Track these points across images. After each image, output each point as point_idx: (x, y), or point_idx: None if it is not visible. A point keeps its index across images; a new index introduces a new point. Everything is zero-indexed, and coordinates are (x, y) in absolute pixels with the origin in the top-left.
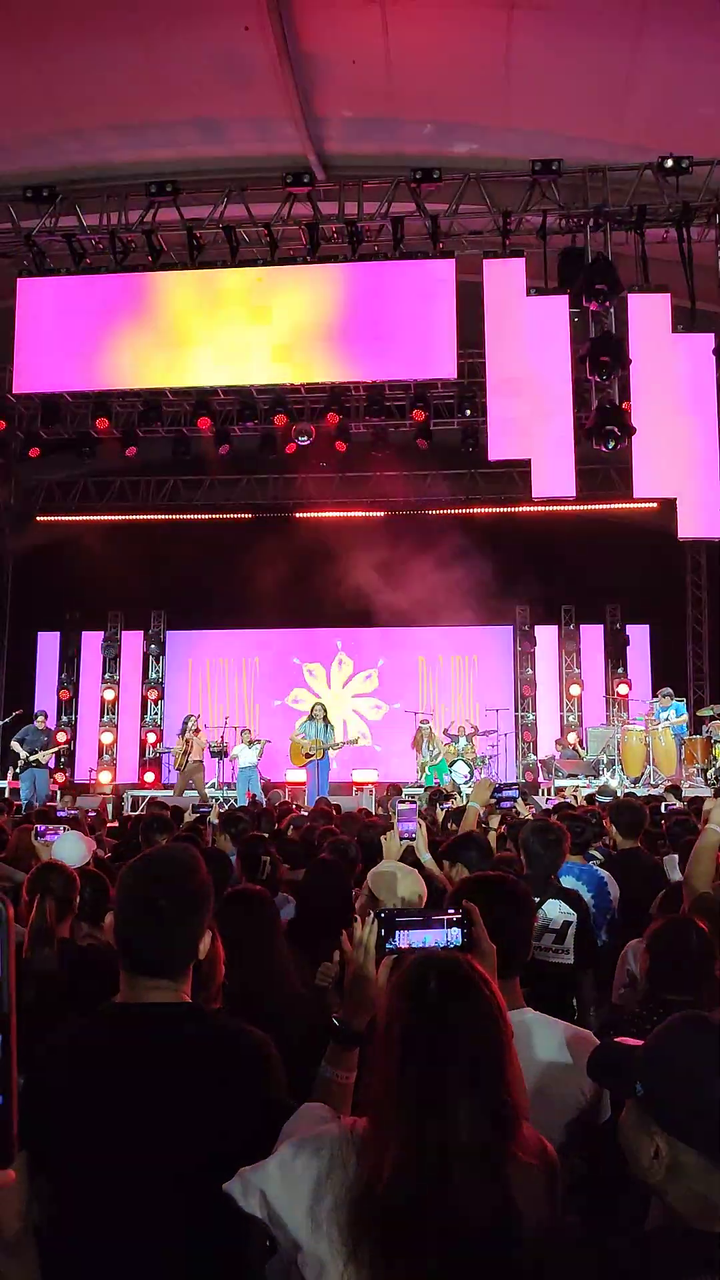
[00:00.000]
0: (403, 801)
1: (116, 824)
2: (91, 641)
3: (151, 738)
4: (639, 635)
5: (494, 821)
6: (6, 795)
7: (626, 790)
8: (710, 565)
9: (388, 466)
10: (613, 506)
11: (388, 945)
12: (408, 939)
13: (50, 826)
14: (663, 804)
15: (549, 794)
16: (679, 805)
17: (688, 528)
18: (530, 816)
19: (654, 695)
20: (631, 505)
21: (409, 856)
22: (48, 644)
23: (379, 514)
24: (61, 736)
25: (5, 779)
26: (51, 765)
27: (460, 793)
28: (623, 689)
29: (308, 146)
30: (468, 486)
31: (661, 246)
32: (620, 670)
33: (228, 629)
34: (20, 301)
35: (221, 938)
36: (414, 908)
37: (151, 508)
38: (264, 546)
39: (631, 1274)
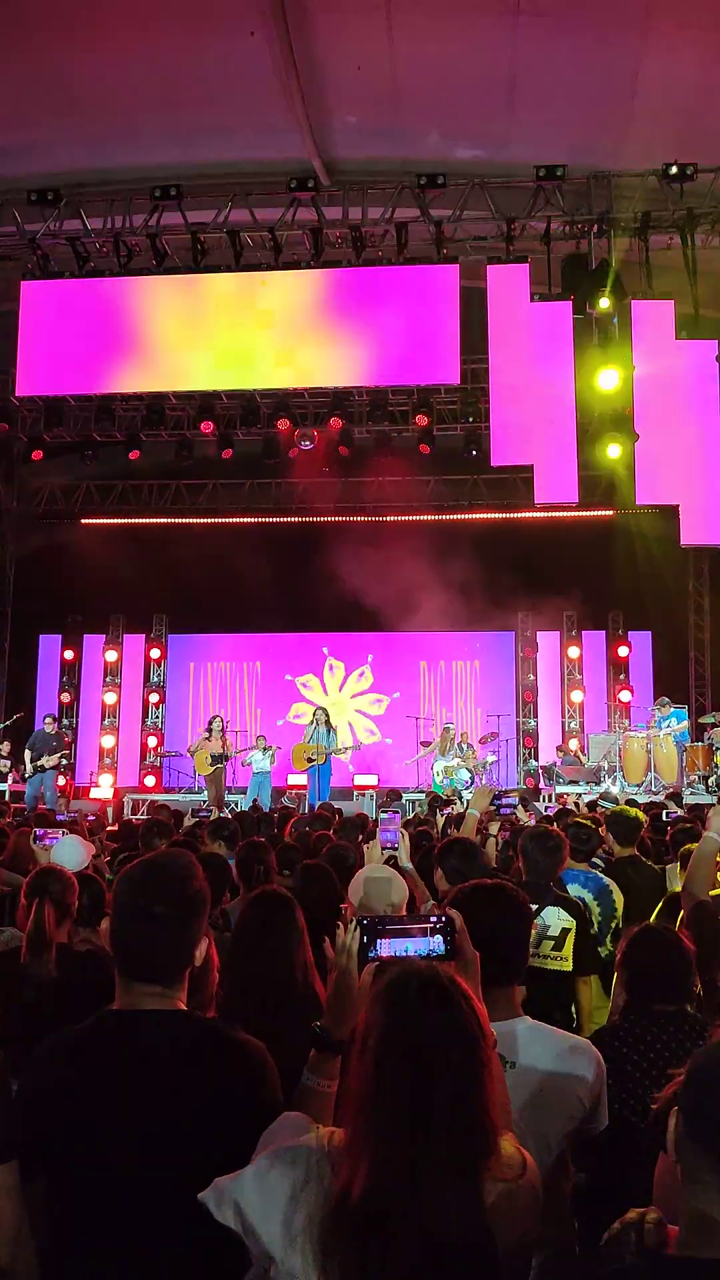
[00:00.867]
0: (385, 810)
1: (116, 828)
2: (93, 645)
3: (153, 741)
4: (641, 642)
5: (494, 828)
6: (6, 798)
7: (628, 797)
8: (712, 572)
9: (390, 472)
10: (616, 513)
11: (370, 953)
12: (390, 947)
13: (49, 830)
14: (663, 811)
15: (550, 800)
16: (680, 812)
17: (690, 534)
18: (530, 823)
19: (653, 703)
20: (634, 512)
21: (391, 865)
22: (49, 647)
23: (381, 519)
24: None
25: (6, 781)
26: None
27: (461, 799)
28: (624, 695)
29: (312, 151)
30: (470, 492)
31: (665, 253)
32: (622, 677)
33: (230, 633)
34: (24, 304)
35: (243, 939)
36: (397, 915)
37: (154, 511)
38: (266, 551)
39: None
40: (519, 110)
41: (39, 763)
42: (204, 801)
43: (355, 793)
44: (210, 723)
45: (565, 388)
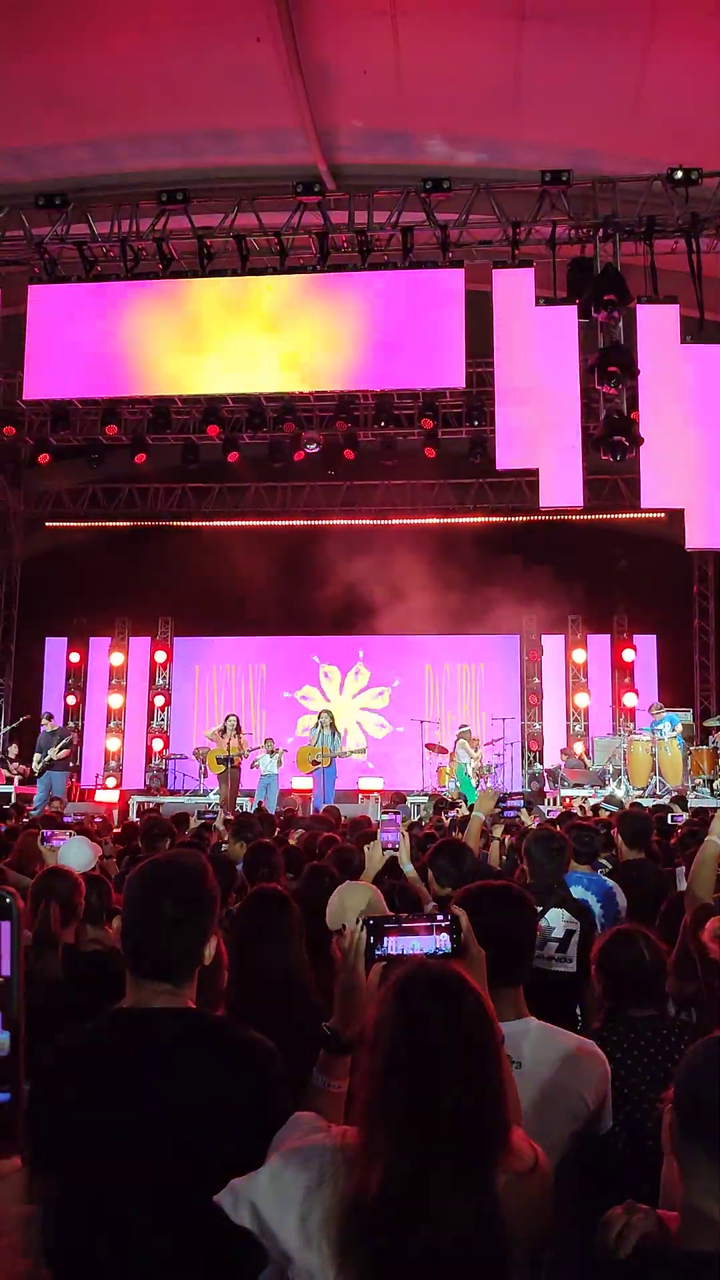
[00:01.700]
0: (385, 812)
1: (120, 830)
2: (99, 648)
3: (158, 744)
4: (646, 645)
5: (498, 831)
6: (14, 800)
7: (632, 800)
8: (717, 576)
9: (395, 475)
10: (620, 517)
11: (376, 952)
12: (397, 945)
13: (55, 831)
14: (668, 815)
15: (554, 804)
16: (684, 816)
17: (695, 538)
18: (534, 826)
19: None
20: (639, 516)
21: (392, 866)
22: (55, 650)
23: (386, 522)
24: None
25: (13, 784)
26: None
27: (465, 802)
28: (629, 699)
29: (318, 156)
30: (475, 496)
31: (671, 257)
32: (627, 680)
33: (235, 636)
34: (31, 308)
35: (241, 936)
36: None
37: (160, 515)
38: (271, 554)
39: None
40: (524, 114)
41: (49, 757)
42: (210, 803)
43: (360, 796)
44: (225, 721)
45: (570, 391)
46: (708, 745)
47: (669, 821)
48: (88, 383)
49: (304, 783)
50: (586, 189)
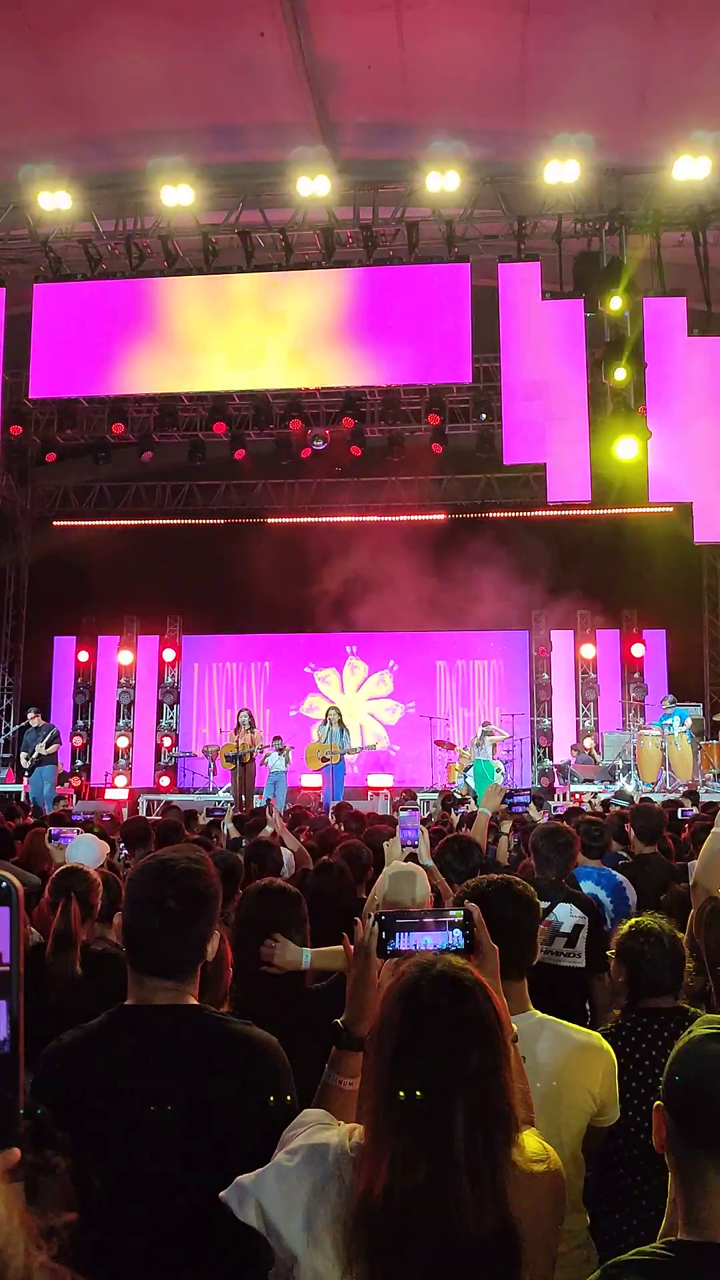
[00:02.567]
0: (405, 809)
1: (124, 824)
2: (107, 646)
3: (167, 742)
4: (655, 640)
5: (506, 826)
6: (23, 799)
7: (642, 795)
8: None
9: (403, 471)
10: (629, 511)
11: (389, 948)
12: (409, 941)
13: (63, 830)
14: (679, 809)
15: (564, 799)
16: (695, 810)
17: (704, 532)
18: (543, 821)
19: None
20: (647, 510)
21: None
22: (63, 649)
23: (394, 519)
24: (77, 740)
25: (21, 783)
26: (61, 756)
27: (475, 798)
28: (639, 694)
29: (323, 151)
30: (483, 491)
31: (677, 250)
32: (636, 675)
33: (243, 634)
34: (37, 307)
35: (244, 931)
36: (419, 909)
37: (167, 513)
38: (279, 551)
39: None
40: (529, 108)
41: (36, 754)
42: (218, 801)
43: (370, 793)
44: (238, 716)
45: (577, 386)
46: (718, 740)
47: (679, 816)
48: (93, 381)
49: (313, 780)
50: (593, 182)
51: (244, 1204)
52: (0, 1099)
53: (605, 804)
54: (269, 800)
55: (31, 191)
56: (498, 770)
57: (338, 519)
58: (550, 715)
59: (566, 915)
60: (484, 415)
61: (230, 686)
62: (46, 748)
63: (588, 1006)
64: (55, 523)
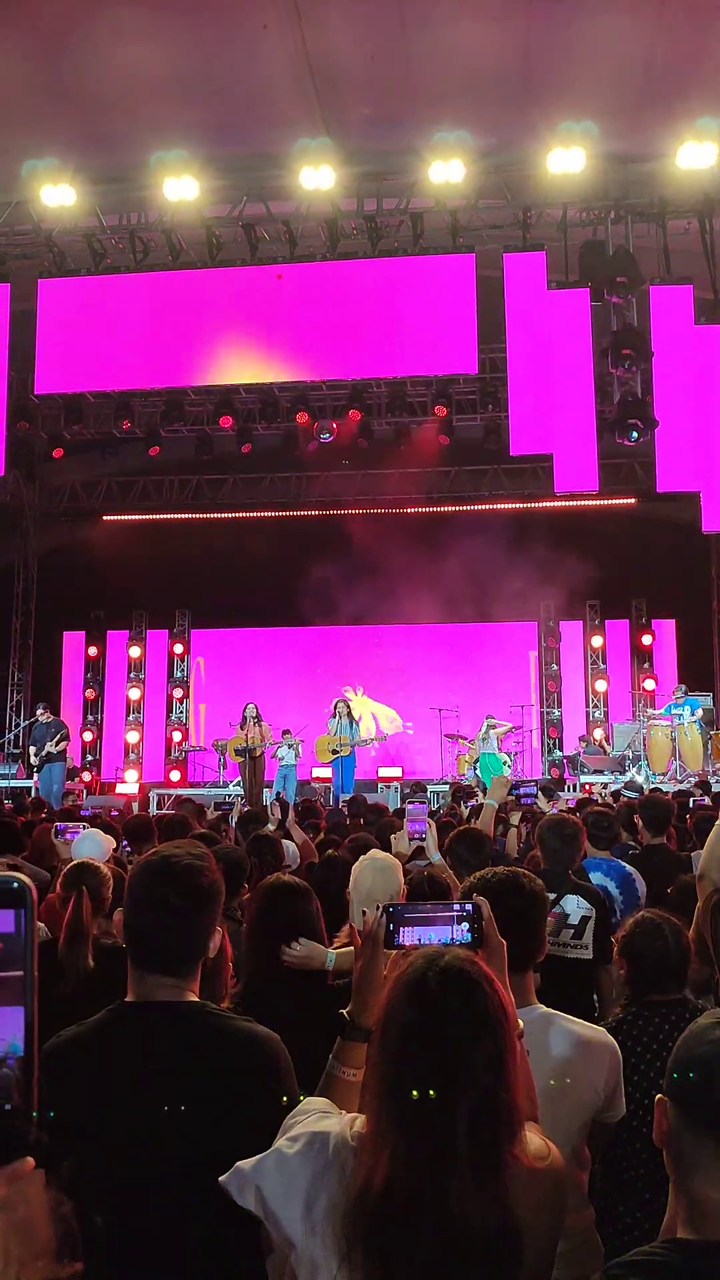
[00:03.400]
0: (412, 802)
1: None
2: (116, 641)
3: (177, 736)
4: (664, 630)
5: (515, 818)
6: (34, 795)
7: (652, 786)
8: None
9: (410, 463)
10: (637, 501)
11: (395, 941)
12: (415, 934)
13: (70, 825)
14: (689, 799)
15: (574, 790)
16: (706, 800)
17: (712, 521)
18: (551, 812)
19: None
20: (655, 500)
21: (419, 856)
22: (73, 644)
23: (402, 511)
24: (87, 735)
25: (31, 778)
26: (71, 751)
27: (484, 790)
28: (648, 684)
29: (326, 143)
30: (491, 482)
31: (683, 238)
32: (646, 665)
33: (252, 627)
34: (41, 303)
35: (258, 926)
36: (423, 901)
37: (175, 507)
38: (287, 545)
39: None
40: (533, 96)
41: (45, 750)
42: (228, 795)
43: (380, 784)
44: (245, 710)
45: (584, 375)
46: None
47: (690, 806)
48: (100, 376)
49: (323, 772)
50: (598, 170)
51: (243, 1190)
52: (15, 1105)
53: (615, 795)
54: (278, 794)
55: (35, 186)
56: (506, 762)
57: (345, 512)
58: (560, 706)
59: (574, 907)
60: (490, 406)
61: (243, 680)
62: (56, 745)
63: (595, 998)
64: (64, 518)
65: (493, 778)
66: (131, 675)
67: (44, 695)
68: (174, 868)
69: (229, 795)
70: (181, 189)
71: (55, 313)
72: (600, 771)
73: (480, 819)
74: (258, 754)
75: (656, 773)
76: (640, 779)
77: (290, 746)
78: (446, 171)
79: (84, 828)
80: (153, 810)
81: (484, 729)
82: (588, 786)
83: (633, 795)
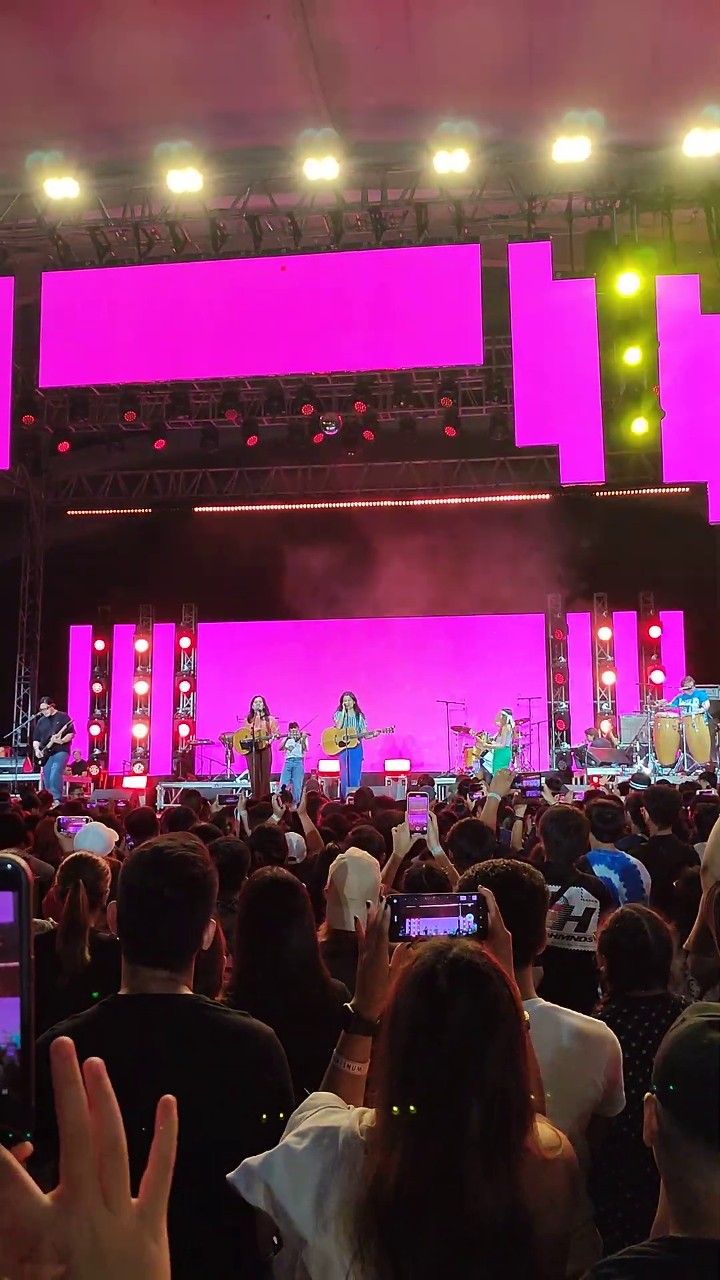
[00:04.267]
0: (414, 794)
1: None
2: (123, 635)
3: (184, 730)
4: (672, 622)
5: (521, 811)
6: (40, 789)
7: (659, 778)
8: None
9: (416, 455)
10: (643, 492)
11: (400, 933)
12: (421, 926)
13: (73, 818)
14: (696, 791)
15: (582, 782)
16: (713, 792)
17: None
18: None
19: (680, 684)
20: (662, 490)
21: (420, 849)
22: (80, 638)
23: (408, 503)
24: (94, 729)
25: (37, 772)
26: (79, 745)
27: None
28: (656, 676)
29: (330, 134)
30: (497, 474)
31: (690, 228)
32: (653, 657)
33: (258, 621)
34: (45, 296)
35: (247, 922)
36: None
37: (181, 500)
38: (293, 538)
39: None
40: (539, 86)
41: (50, 744)
42: (234, 788)
43: (387, 778)
44: (252, 703)
45: (590, 366)
46: None
47: (697, 796)
48: (104, 369)
49: (331, 765)
50: (603, 159)
51: (252, 1186)
52: (14, 1096)
53: (623, 787)
54: (284, 787)
55: (39, 179)
56: (514, 753)
57: (352, 505)
58: (567, 698)
59: (578, 899)
60: (497, 398)
61: (249, 673)
62: (62, 737)
63: (599, 991)
64: (69, 512)
65: (496, 771)
66: (138, 669)
67: (51, 690)
68: (166, 859)
69: (235, 789)
70: (185, 181)
71: (59, 306)
72: (607, 764)
73: (484, 812)
74: (264, 747)
75: (664, 765)
76: (647, 771)
77: (297, 739)
78: (451, 162)
79: (86, 821)
80: (160, 804)
81: (500, 722)
82: (595, 779)
83: (640, 787)
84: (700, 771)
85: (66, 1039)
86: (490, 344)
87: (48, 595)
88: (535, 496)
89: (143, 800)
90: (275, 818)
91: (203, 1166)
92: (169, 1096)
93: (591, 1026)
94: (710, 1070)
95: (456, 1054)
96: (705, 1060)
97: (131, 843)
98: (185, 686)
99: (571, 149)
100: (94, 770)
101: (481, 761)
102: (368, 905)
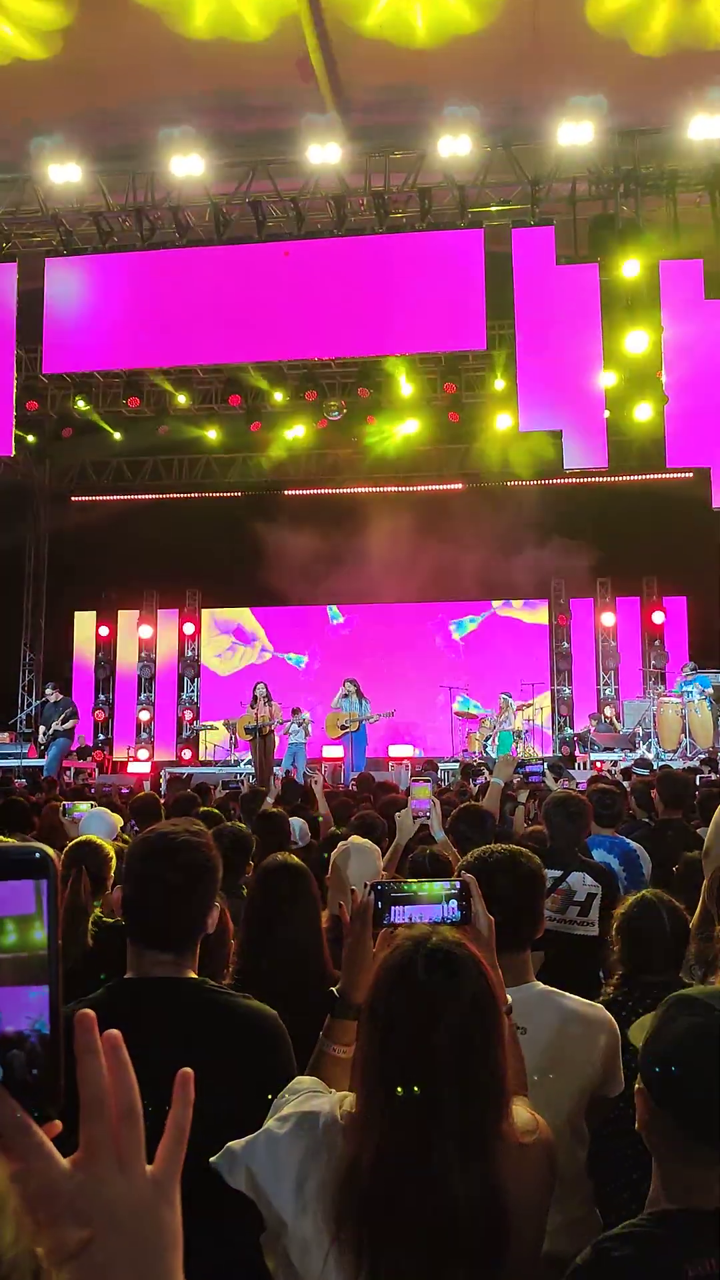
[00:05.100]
0: (416, 779)
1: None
2: (128, 620)
3: (188, 715)
4: (675, 607)
5: (522, 796)
6: (46, 774)
7: (662, 763)
8: None
9: (419, 440)
10: (647, 477)
11: (384, 919)
12: (405, 913)
13: (78, 804)
14: (698, 776)
15: (585, 768)
16: (714, 777)
17: None
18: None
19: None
20: (666, 476)
21: (423, 834)
22: (84, 623)
23: (412, 489)
24: (99, 714)
25: (43, 758)
26: (83, 730)
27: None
28: (659, 661)
29: (333, 118)
30: (500, 460)
31: (695, 211)
32: (656, 643)
33: (262, 606)
34: (49, 282)
35: (255, 908)
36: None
37: (185, 486)
38: (297, 523)
39: (631, 1259)
40: (543, 69)
41: (54, 729)
42: (239, 773)
43: (390, 764)
44: (255, 689)
45: (593, 351)
46: None
47: (698, 782)
48: (108, 354)
49: (335, 750)
50: (607, 143)
51: (234, 1170)
52: (43, 1078)
53: (625, 772)
54: (287, 772)
55: (42, 164)
56: (517, 737)
57: (355, 489)
58: (570, 684)
59: (580, 883)
60: (500, 383)
61: (249, 659)
62: (63, 724)
63: (601, 975)
64: (73, 498)
65: (499, 756)
66: (142, 655)
67: (55, 675)
68: (171, 844)
69: (239, 774)
70: (188, 165)
71: (62, 291)
72: (610, 749)
73: (486, 797)
74: (267, 732)
75: (667, 750)
76: (650, 756)
77: (300, 725)
78: (455, 146)
79: (91, 806)
80: (164, 790)
81: (502, 706)
82: (598, 764)
83: (643, 772)
84: (703, 756)
85: (89, 1011)
86: (493, 329)
87: (52, 581)
88: (538, 482)
89: (147, 785)
90: (270, 799)
91: (207, 1149)
92: (187, 1070)
93: (590, 1010)
94: (689, 1059)
95: (432, 1042)
96: (676, 1055)
97: (136, 828)
98: (189, 672)
99: (575, 133)
100: (98, 755)
101: (485, 746)
102: (352, 891)
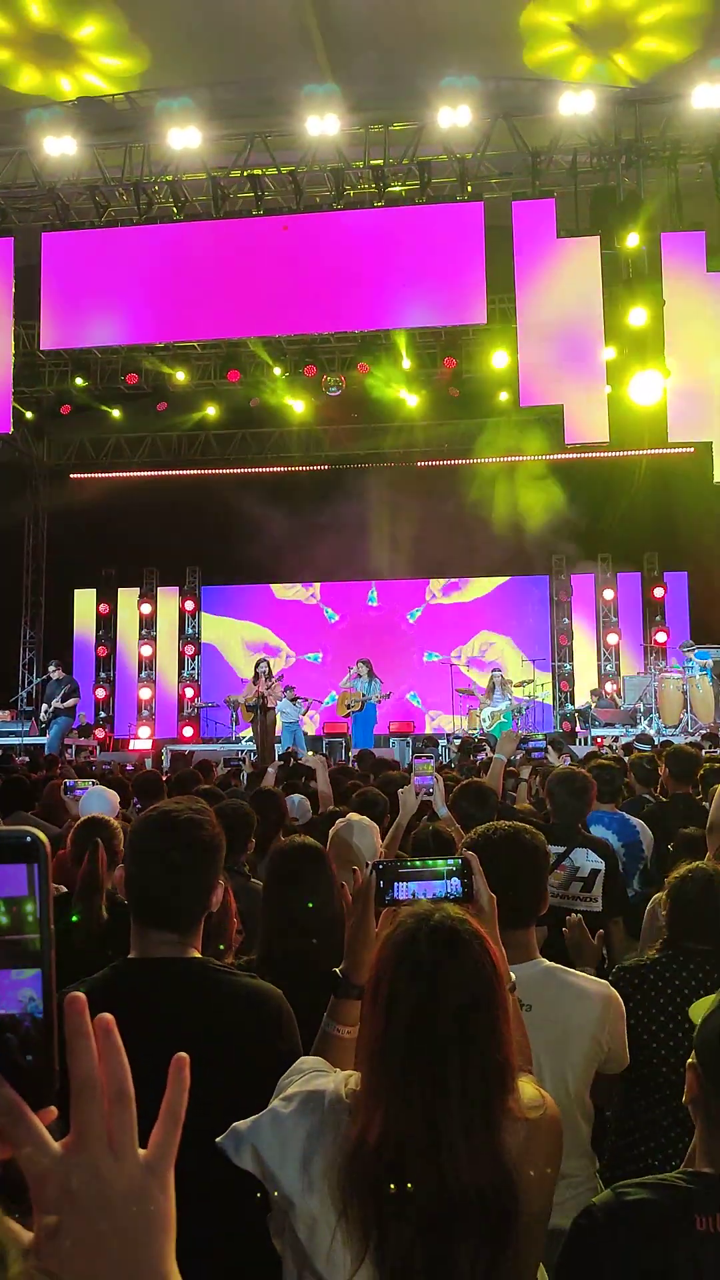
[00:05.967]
0: (418, 756)
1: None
2: (128, 598)
3: (189, 693)
4: (676, 583)
5: (525, 772)
6: (47, 752)
7: (663, 739)
8: None
9: (419, 416)
10: (648, 452)
11: (387, 897)
12: (407, 890)
13: (78, 781)
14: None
15: (586, 743)
16: (717, 752)
17: None
18: (562, 766)
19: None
20: (667, 451)
21: (427, 811)
22: (84, 601)
23: (412, 465)
24: (100, 692)
25: (45, 736)
26: (84, 708)
27: (492, 744)
28: (660, 637)
29: (332, 90)
30: (501, 435)
31: (697, 183)
32: (658, 618)
33: (262, 583)
34: (46, 257)
35: (273, 888)
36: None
37: (183, 463)
38: (296, 499)
39: (643, 1203)
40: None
41: (54, 706)
42: (240, 751)
43: (392, 739)
44: (256, 665)
45: (594, 325)
46: None
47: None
48: (106, 330)
49: (342, 728)
50: (609, 114)
51: (240, 1149)
52: (37, 1063)
53: (626, 748)
54: (288, 749)
55: (38, 136)
56: (516, 713)
57: (355, 465)
58: (571, 660)
59: (584, 860)
60: (501, 357)
61: (253, 636)
62: (64, 702)
63: (604, 951)
64: (72, 475)
65: (501, 732)
66: (143, 632)
67: (56, 653)
68: (174, 822)
69: (240, 751)
70: (185, 138)
71: (60, 267)
72: (611, 725)
73: (489, 774)
74: (269, 709)
75: (668, 725)
76: (651, 732)
77: (293, 702)
78: (454, 117)
79: (93, 784)
80: (166, 767)
81: (492, 683)
82: (599, 740)
83: (644, 748)
84: (704, 732)
85: (80, 994)
86: (493, 303)
87: (51, 559)
88: (539, 457)
89: (148, 763)
90: (271, 771)
91: (212, 1129)
92: (182, 1054)
93: (595, 986)
94: None
95: (436, 1019)
96: None
97: (139, 805)
98: (189, 650)
99: (576, 103)
100: (100, 733)
101: (483, 724)
102: (354, 870)
